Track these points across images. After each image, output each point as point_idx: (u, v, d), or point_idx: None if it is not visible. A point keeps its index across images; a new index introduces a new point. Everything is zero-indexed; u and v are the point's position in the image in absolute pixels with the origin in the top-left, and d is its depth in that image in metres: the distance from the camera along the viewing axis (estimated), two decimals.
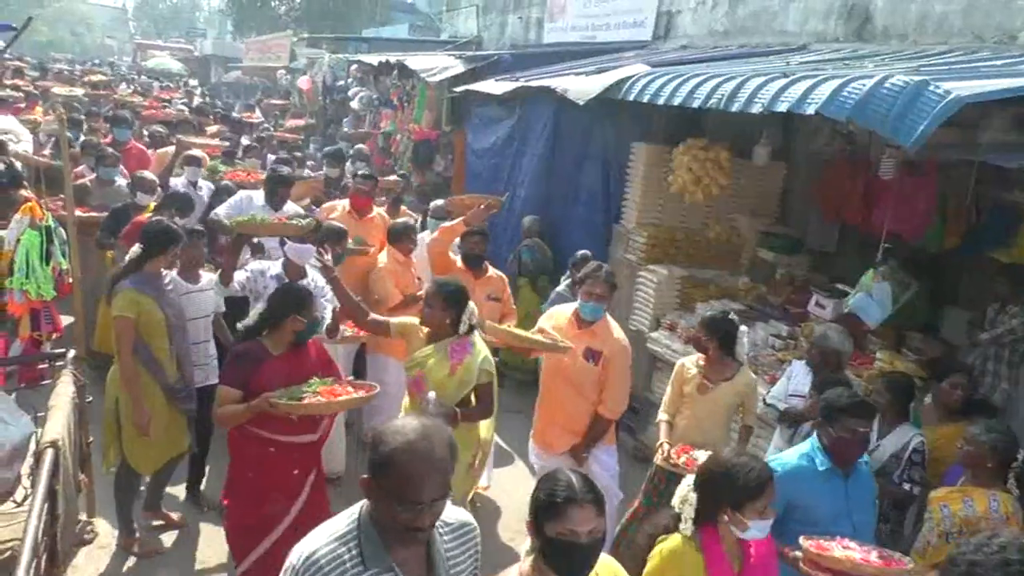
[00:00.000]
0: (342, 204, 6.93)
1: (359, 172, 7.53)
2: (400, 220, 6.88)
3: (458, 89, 10.50)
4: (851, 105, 4.22)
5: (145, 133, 11.48)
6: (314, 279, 5.29)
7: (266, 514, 4.06)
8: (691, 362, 4.83)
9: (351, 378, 4.37)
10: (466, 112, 10.85)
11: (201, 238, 5.24)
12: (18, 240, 4.72)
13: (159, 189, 7.05)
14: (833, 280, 6.73)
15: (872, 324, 5.46)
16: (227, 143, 10.12)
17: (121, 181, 7.73)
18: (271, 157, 10.79)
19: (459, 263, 5.89)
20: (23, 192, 6.79)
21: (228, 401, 3.95)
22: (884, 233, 5.42)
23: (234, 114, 15.99)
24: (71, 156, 7.07)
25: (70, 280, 4.82)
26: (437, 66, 10.95)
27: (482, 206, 5.96)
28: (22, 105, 12.93)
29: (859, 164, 6.72)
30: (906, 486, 4.24)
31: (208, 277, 5.19)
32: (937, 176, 5.88)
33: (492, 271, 5.99)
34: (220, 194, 7.47)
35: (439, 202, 7.86)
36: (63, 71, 21.57)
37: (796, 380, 4.82)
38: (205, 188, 7.88)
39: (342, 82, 16.95)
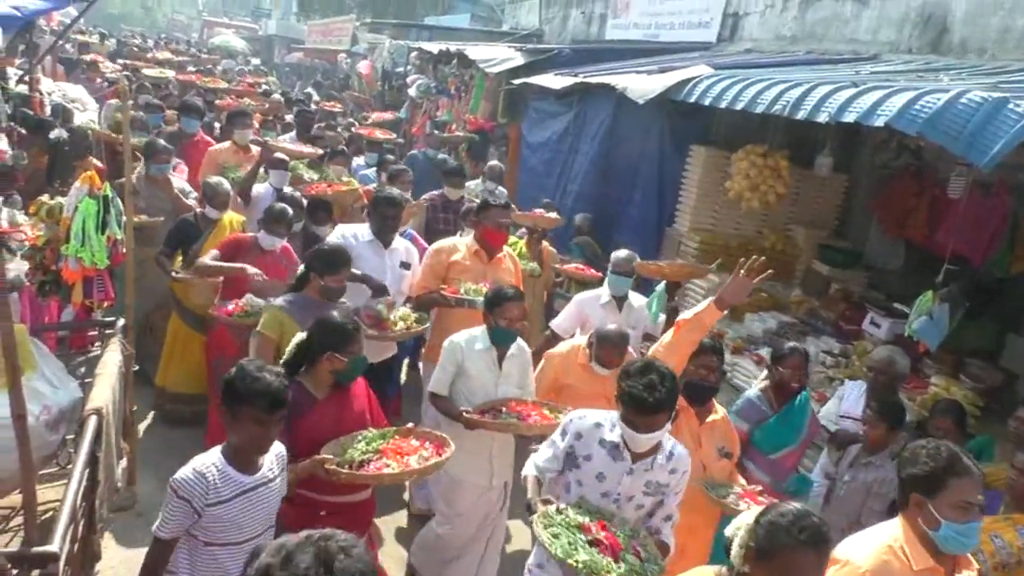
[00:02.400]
0: (464, 243, 5.29)
1: (493, 199, 5.40)
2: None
3: (516, 81, 10.45)
4: (923, 119, 4.09)
5: (217, 125, 10.21)
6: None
7: None
8: None
9: (411, 424, 3.65)
10: (522, 105, 10.80)
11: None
12: (76, 208, 4.80)
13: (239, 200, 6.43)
14: (890, 298, 6.54)
15: (932, 348, 5.27)
16: (323, 150, 8.20)
17: (178, 181, 6.83)
18: (358, 161, 9.18)
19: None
20: (92, 160, 6.93)
21: None
22: (948, 253, 5.21)
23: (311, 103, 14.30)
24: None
25: (124, 250, 4.88)
26: (496, 57, 10.91)
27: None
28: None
29: (926, 180, 6.52)
30: None
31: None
32: (1009, 198, 5.67)
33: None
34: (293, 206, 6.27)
35: (494, 164, 8.09)
36: (135, 47, 20.87)
37: (849, 401, 4.68)
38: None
39: (401, 68, 17.01)
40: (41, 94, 10.07)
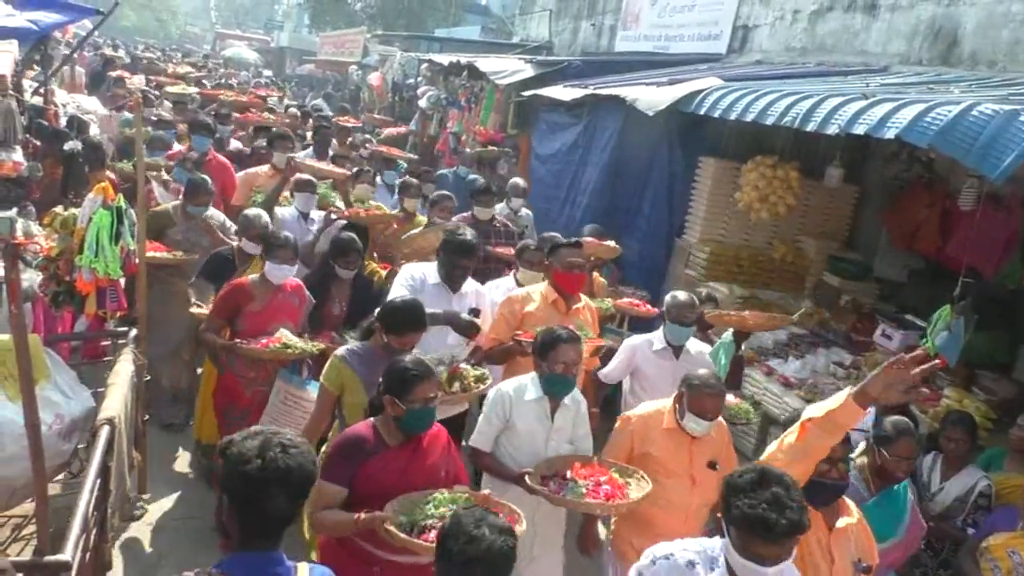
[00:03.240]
0: (539, 291, 4.67)
1: (572, 238, 4.97)
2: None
3: (526, 93, 10.48)
4: (934, 132, 4.09)
5: (234, 142, 9.63)
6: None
7: None
8: None
9: (488, 492, 3.21)
10: (532, 117, 10.83)
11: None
12: (90, 219, 4.83)
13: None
14: (901, 310, 6.52)
15: (952, 363, 5.22)
16: (352, 170, 7.55)
17: (218, 214, 6.22)
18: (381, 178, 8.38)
19: None
20: (107, 172, 6.99)
21: (329, 502, 3.05)
22: (963, 267, 5.19)
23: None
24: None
25: (136, 261, 4.91)
26: (507, 69, 10.95)
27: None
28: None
29: (936, 193, 6.51)
30: (970, 531, 4.05)
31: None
32: (1021, 210, 5.64)
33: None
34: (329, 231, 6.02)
35: (517, 181, 7.79)
36: (156, 62, 19.98)
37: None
38: (317, 221, 6.36)
39: (412, 80, 17.10)
40: (56, 106, 10.16)
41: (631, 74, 9.71)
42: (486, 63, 11.78)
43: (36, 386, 3.01)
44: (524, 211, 7.97)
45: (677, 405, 3.69)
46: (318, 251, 5.86)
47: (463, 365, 4.07)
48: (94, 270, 4.79)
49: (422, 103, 14.82)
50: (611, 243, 6.05)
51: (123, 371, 4.24)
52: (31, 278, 4.88)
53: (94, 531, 3.47)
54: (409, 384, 3.10)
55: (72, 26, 12.27)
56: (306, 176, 6.50)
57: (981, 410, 5.10)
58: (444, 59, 14.45)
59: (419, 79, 16.33)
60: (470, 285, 4.78)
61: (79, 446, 3.98)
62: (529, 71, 10.70)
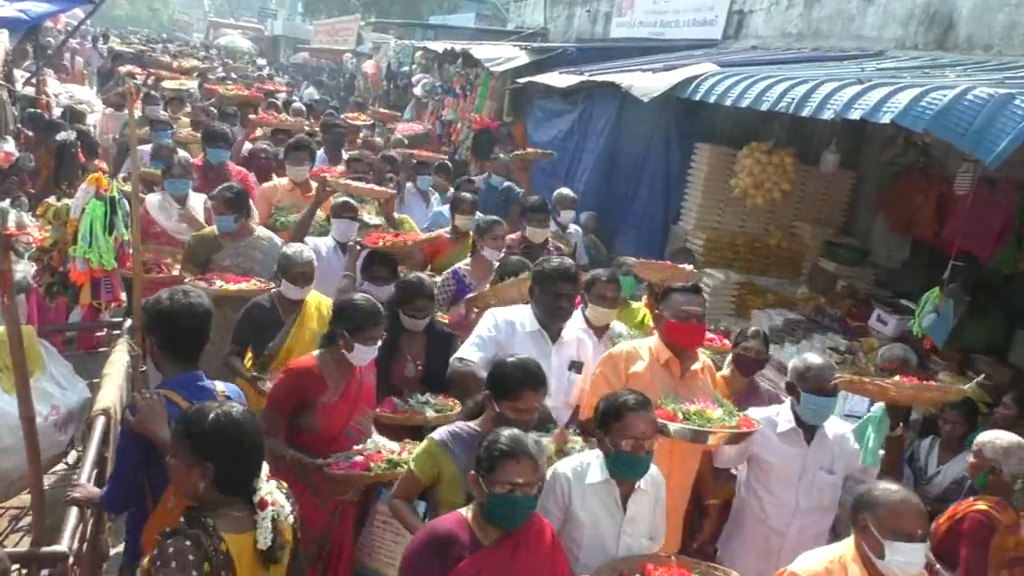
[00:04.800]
0: (648, 346, 3.72)
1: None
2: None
3: (521, 80, 10.45)
4: (929, 116, 4.09)
5: (247, 148, 8.18)
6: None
7: None
8: None
9: None
10: (528, 104, 10.80)
11: None
12: (83, 209, 4.82)
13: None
14: (897, 295, 6.53)
15: (939, 344, 5.26)
16: (394, 189, 6.46)
17: (265, 233, 5.26)
18: (409, 187, 7.34)
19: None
20: (97, 163, 6.98)
21: None
22: (955, 250, 5.20)
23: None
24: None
25: (130, 251, 4.89)
26: (502, 56, 10.90)
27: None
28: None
29: (932, 177, 6.50)
30: None
31: None
32: (1016, 194, 5.64)
33: None
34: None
35: (565, 192, 6.81)
36: (146, 52, 18.23)
37: (853, 399, 4.66)
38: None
39: (406, 68, 17.02)
40: (48, 96, 10.12)
41: (626, 60, 9.68)
42: (481, 50, 11.73)
43: (31, 377, 3.01)
44: (573, 227, 6.91)
45: (860, 542, 2.63)
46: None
47: (572, 435, 3.43)
48: (88, 261, 4.79)
49: (417, 91, 14.76)
50: (688, 267, 5.09)
51: (118, 361, 4.24)
52: (25, 269, 4.86)
53: (91, 522, 3.47)
54: (495, 462, 2.53)
55: (63, 15, 12.22)
56: (344, 198, 5.31)
57: (976, 394, 5.10)
58: (439, 46, 14.40)
59: (414, 67, 16.26)
60: (571, 330, 3.93)
61: (75, 437, 3.98)
62: (524, 58, 10.66)
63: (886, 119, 4.34)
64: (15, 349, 2.78)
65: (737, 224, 7.60)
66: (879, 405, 3.86)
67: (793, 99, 5.25)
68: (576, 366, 3.82)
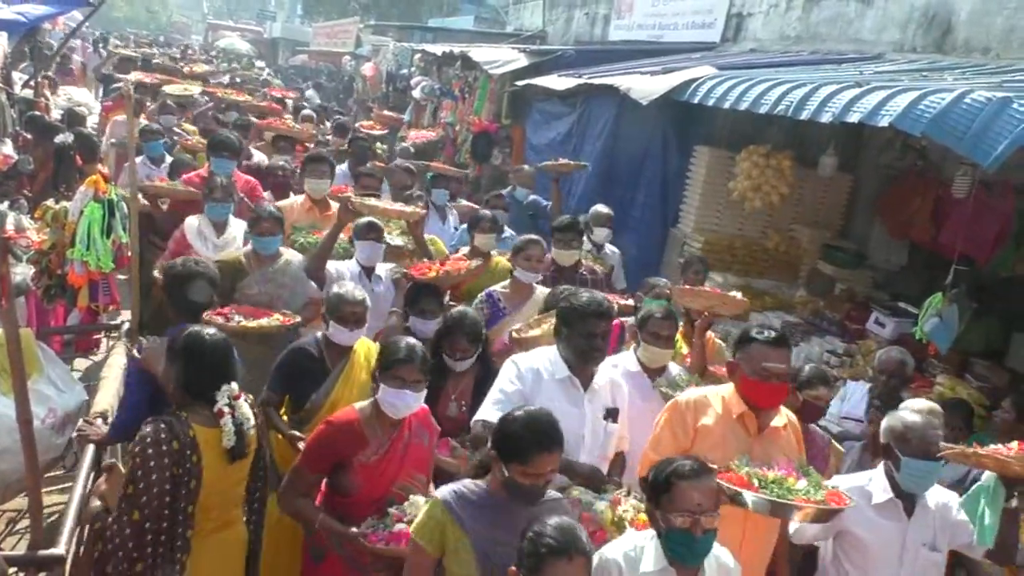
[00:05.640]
0: (720, 394, 3.23)
1: (758, 330, 3.22)
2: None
3: (520, 83, 10.46)
4: (927, 119, 4.09)
5: (257, 153, 7.91)
6: None
7: None
8: None
9: None
10: (526, 106, 10.80)
11: None
12: (81, 212, 4.83)
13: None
14: (895, 298, 6.53)
15: (943, 350, 5.24)
16: (422, 207, 5.87)
17: (293, 255, 4.81)
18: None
19: None
20: (97, 166, 6.96)
21: None
22: (956, 254, 5.20)
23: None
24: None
25: (129, 254, 4.89)
26: (500, 59, 10.91)
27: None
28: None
29: (930, 180, 6.51)
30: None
31: None
32: (1014, 197, 5.65)
33: None
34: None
35: (600, 208, 6.24)
36: (153, 57, 16.94)
37: (851, 402, 4.67)
38: (386, 278, 4.89)
39: (405, 71, 17.04)
40: (47, 98, 10.11)
41: (625, 63, 9.68)
42: (480, 53, 11.74)
43: (28, 380, 3.01)
44: (609, 247, 6.32)
45: None
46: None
47: (630, 499, 3.01)
48: (86, 263, 4.80)
49: (416, 94, 14.77)
50: (737, 295, 4.42)
51: (116, 364, 4.24)
52: (23, 271, 4.86)
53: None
54: (542, 561, 2.21)
55: (62, 17, 12.22)
56: (369, 219, 4.85)
57: (974, 397, 5.11)
58: (438, 49, 14.40)
59: (413, 69, 16.28)
60: (604, 375, 3.44)
61: (73, 439, 3.98)
62: (523, 61, 10.67)
63: (884, 122, 4.34)
64: (13, 351, 2.78)
65: (735, 227, 7.60)
66: (987, 474, 3.07)
67: (791, 102, 5.26)
68: (612, 414, 3.36)
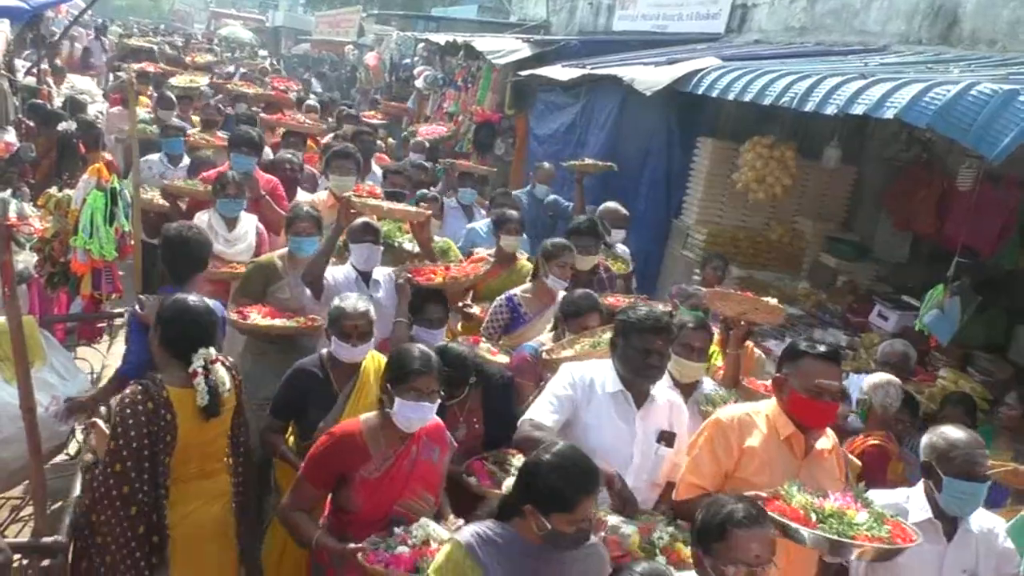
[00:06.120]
0: (765, 412, 3.00)
1: (807, 343, 3.00)
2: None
3: (523, 73, 10.42)
4: (932, 112, 4.07)
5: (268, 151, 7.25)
6: None
7: None
8: None
9: None
10: (530, 97, 10.77)
11: None
12: (84, 200, 4.82)
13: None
14: (898, 291, 6.52)
15: (943, 342, 5.25)
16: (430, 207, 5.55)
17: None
18: (449, 202, 6.62)
19: None
20: (104, 154, 6.94)
21: None
22: (959, 246, 5.19)
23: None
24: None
25: (132, 242, 4.89)
26: (504, 48, 10.88)
27: None
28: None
29: (935, 173, 6.49)
30: None
31: None
32: (1019, 190, 5.63)
33: None
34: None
35: (615, 207, 5.91)
36: (152, 46, 15.43)
37: (853, 395, 4.65)
38: (384, 283, 4.45)
39: (408, 60, 16.98)
40: (49, 86, 10.09)
41: (629, 54, 9.66)
42: (483, 43, 11.70)
43: (32, 368, 3.01)
44: (621, 247, 6.00)
45: None
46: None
47: (666, 526, 2.81)
48: (89, 251, 4.80)
49: (419, 83, 14.73)
50: (773, 301, 4.08)
51: (119, 353, 4.24)
52: (26, 260, 4.87)
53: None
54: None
55: (65, 4, 12.19)
56: (365, 219, 4.48)
57: (977, 391, 5.11)
58: (441, 39, 14.35)
59: (416, 59, 16.22)
60: (662, 391, 3.23)
61: (76, 427, 3.99)
62: (526, 51, 10.63)
63: (889, 115, 4.32)
64: (16, 339, 2.78)
65: (738, 219, 7.59)
66: None
67: (796, 94, 5.24)
68: (667, 438, 3.11)
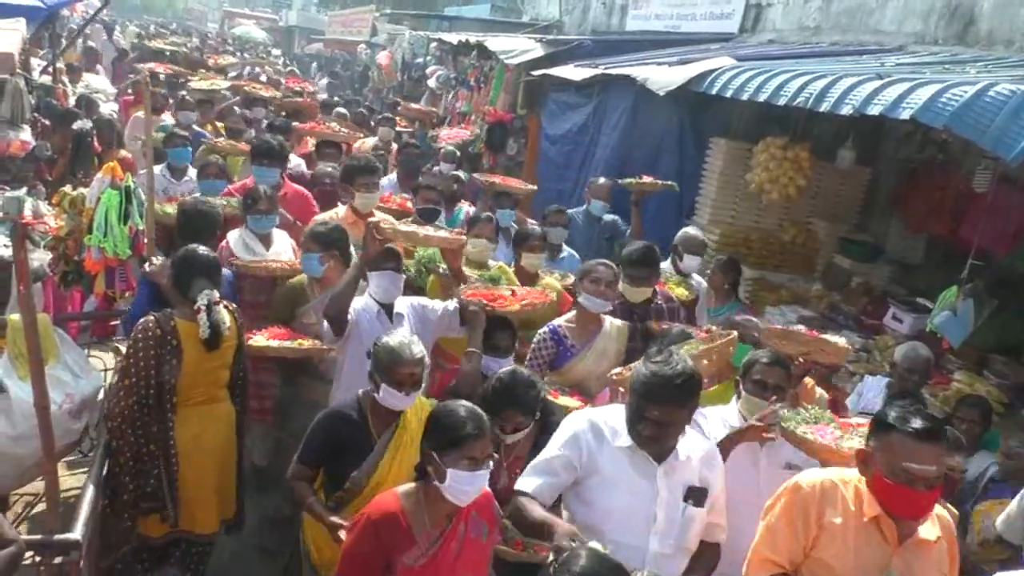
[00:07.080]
0: (852, 482, 2.53)
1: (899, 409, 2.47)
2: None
3: (536, 73, 10.40)
4: (949, 113, 4.03)
5: (296, 159, 6.98)
6: None
7: None
8: None
9: None
10: (542, 97, 10.75)
11: None
12: (98, 199, 4.85)
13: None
14: (912, 293, 6.47)
15: (955, 344, 5.21)
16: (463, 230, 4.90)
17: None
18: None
19: None
20: (123, 152, 6.97)
21: None
22: (973, 248, 5.14)
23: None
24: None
25: (145, 241, 4.91)
26: (516, 48, 10.87)
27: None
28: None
29: (950, 174, 6.44)
30: None
31: None
32: None
33: None
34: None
35: (692, 232, 5.57)
36: (175, 48, 15.88)
37: (868, 397, 4.63)
38: (408, 317, 4.01)
39: (421, 60, 16.99)
40: (64, 85, 10.15)
41: (642, 53, 9.62)
42: (496, 42, 11.69)
43: (46, 365, 3.03)
44: (697, 278, 5.52)
45: None
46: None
47: None
48: (103, 250, 4.82)
49: (431, 83, 14.74)
50: (840, 340, 3.71)
51: None
52: (41, 258, 4.90)
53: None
54: None
55: (80, 4, 12.26)
56: (388, 245, 3.92)
57: (992, 394, 5.07)
58: (453, 38, 14.36)
59: (428, 58, 16.23)
60: (689, 445, 2.76)
61: (89, 424, 4.01)
62: (539, 50, 10.61)
63: (906, 115, 4.28)
64: (31, 337, 2.80)
65: (752, 219, 7.55)
66: None
67: (811, 94, 5.20)
68: (695, 495, 2.69)
